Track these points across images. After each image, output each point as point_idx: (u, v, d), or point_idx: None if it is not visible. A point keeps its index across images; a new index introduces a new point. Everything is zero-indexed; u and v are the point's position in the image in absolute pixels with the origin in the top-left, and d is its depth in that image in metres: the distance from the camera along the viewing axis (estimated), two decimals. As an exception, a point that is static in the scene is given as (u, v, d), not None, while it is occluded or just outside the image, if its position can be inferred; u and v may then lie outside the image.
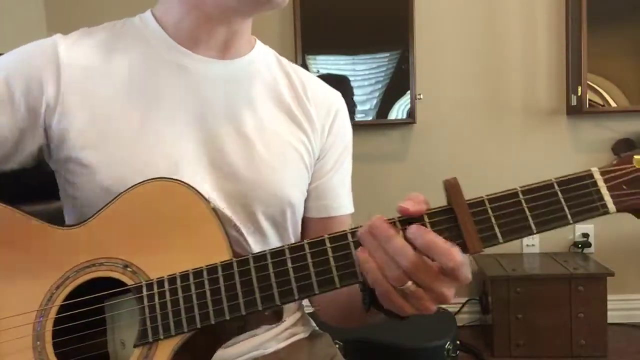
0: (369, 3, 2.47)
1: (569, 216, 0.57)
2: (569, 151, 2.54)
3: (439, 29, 2.53)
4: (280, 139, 0.81)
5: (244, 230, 0.76)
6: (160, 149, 0.72)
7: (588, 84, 2.38)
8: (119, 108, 0.73)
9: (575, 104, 2.44)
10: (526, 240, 2.55)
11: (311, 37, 2.48)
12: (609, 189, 0.58)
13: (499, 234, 0.57)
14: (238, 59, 0.81)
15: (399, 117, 2.50)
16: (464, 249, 0.56)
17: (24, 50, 0.74)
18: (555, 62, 2.51)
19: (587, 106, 2.39)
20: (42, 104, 0.72)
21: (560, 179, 0.58)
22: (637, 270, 2.49)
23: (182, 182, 0.65)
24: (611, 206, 0.58)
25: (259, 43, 0.85)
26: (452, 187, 0.59)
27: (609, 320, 2.21)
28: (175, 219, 0.64)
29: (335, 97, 0.88)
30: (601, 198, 0.58)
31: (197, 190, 0.65)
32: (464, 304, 2.55)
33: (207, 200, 0.65)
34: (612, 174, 0.59)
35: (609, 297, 2.19)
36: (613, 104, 2.43)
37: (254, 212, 0.77)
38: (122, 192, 0.66)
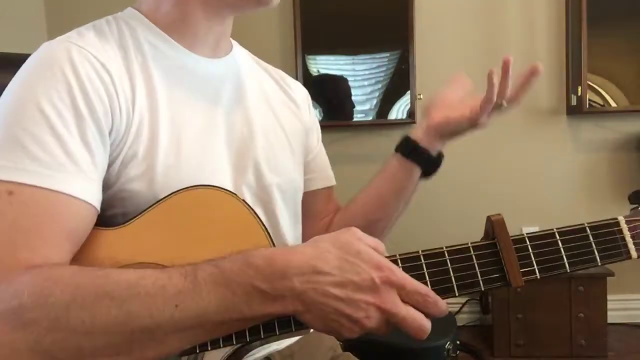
0: (369, 3, 2.47)
1: (597, 258, 0.64)
2: (569, 151, 2.54)
3: (439, 29, 2.53)
4: (282, 127, 0.86)
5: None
6: (197, 154, 0.73)
7: (588, 84, 2.38)
8: (150, 119, 0.71)
9: (575, 104, 2.44)
10: (526, 240, 2.55)
11: (311, 37, 2.48)
12: (633, 237, 0.65)
13: (537, 270, 0.62)
14: (227, 57, 0.83)
15: (399, 117, 2.49)
16: (506, 282, 0.61)
17: (79, 74, 0.65)
18: (555, 62, 2.51)
19: (587, 106, 2.39)
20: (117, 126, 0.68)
21: (592, 224, 0.65)
22: (637, 270, 2.49)
23: (226, 189, 0.66)
24: (633, 253, 0.65)
25: (232, 40, 0.88)
26: (497, 223, 0.62)
27: (609, 320, 2.21)
28: (220, 227, 0.64)
29: (299, 83, 0.98)
30: (625, 245, 0.65)
31: (245, 202, 0.66)
32: (464, 304, 2.55)
33: (254, 211, 0.66)
34: (635, 224, 0.66)
35: (609, 297, 2.19)
36: (613, 104, 2.43)
37: (277, 200, 0.80)
38: (166, 196, 0.65)
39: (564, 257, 0.63)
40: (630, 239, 0.65)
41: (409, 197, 0.92)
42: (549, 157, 2.54)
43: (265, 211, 0.79)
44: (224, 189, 0.66)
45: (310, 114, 0.95)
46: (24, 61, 0.68)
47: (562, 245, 0.63)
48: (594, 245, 0.64)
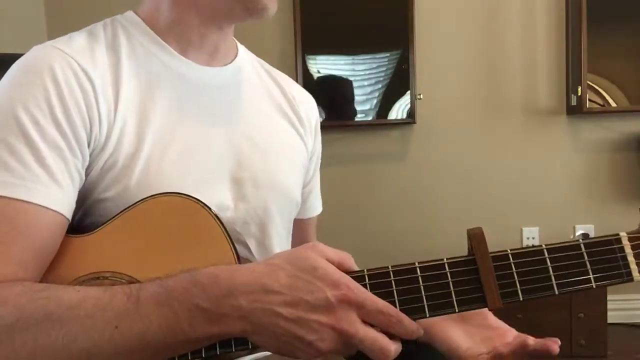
0: (369, 3, 2.47)
1: (592, 280, 0.56)
2: (568, 151, 2.54)
3: (439, 29, 2.53)
4: (283, 142, 0.83)
5: (252, 247, 0.76)
6: (182, 165, 0.70)
7: (588, 84, 2.38)
8: (138, 125, 0.69)
9: (575, 104, 2.44)
10: (526, 240, 2.55)
11: (311, 37, 2.47)
12: (636, 256, 0.57)
13: (519, 292, 0.56)
14: (228, 66, 0.80)
15: (399, 117, 2.49)
16: (483, 303, 0.56)
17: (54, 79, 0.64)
18: (555, 62, 2.51)
19: (587, 106, 2.39)
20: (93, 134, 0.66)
21: (588, 240, 0.57)
22: (637, 270, 2.49)
23: (194, 198, 0.63)
24: (636, 274, 0.57)
25: (240, 47, 0.85)
26: (476, 237, 0.56)
27: (609, 320, 2.21)
28: (185, 236, 0.63)
29: (312, 99, 0.92)
30: (627, 265, 0.57)
31: (208, 208, 0.64)
32: (464, 304, 2.55)
33: (218, 218, 0.64)
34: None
35: (609, 297, 2.19)
36: (613, 104, 2.43)
37: (273, 216, 0.78)
38: (133, 204, 0.64)
39: (552, 277, 0.56)
40: (633, 259, 0.56)
41: None
42: (549, 157, 2.53)
43: (259, 226, 0.77)
44: (193, 197, 0.63)
45: (315, 139, 0.90)
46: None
47: (551, 263, 0.56)
48: (588, 264, 0.56)
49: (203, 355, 0.57)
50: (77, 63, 0.66)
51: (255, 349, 0.57)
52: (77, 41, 0.69)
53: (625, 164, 2.51)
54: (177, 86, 0.73)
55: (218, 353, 0.56)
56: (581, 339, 2.19)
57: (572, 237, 2.55)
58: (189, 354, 0.57)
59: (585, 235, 2.53)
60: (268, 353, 0.79)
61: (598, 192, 2.53)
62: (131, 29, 0.74)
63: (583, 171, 2.53)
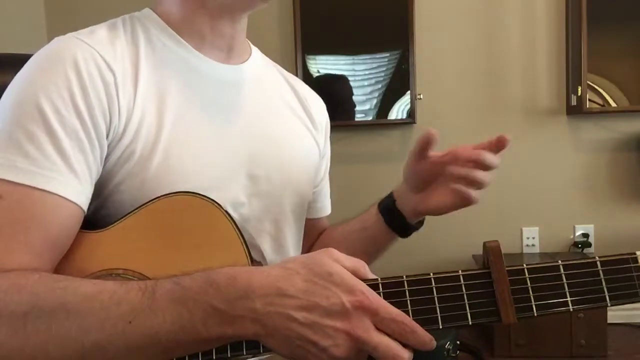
0: (369, 3, 2.47)
1: (607, 298, 0.57)
2: (568, 151, 2.54)
3: (439, 29, 2.53)
4: (296, 141, 0.84)
5: (265, 248, 0.76)
6: (200, 159, 0.71)
7: (588, 84, 2.38)
8: (157, 118, 0.69)
9: (575, 104, 2.44)
10: (526, 240, 2.55)
11: (311, 37, 2.48)
12: None
13: (534, 307, 0.56)
14: (243, 64, 0.80)
15: (399, 117, 2.50)
16: (497, 317, 0.55)
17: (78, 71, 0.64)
18: (555, 62, 2.51)
19: (587, 106, 2.39)
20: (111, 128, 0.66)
21: (604, 258, 0.57)
22: (637, 270, 2.49)
23: (207, 197, 0.63)
24: None
25: (254, 48, 0.85)
26: (493, 251, 0.56)
27: (609, 320, 2.21)
28: (197, 236, 0.63)
29: (322, 101, 0.93)
30: None
31: (222, 207, 0.64)
32: (464, 304, 2.55)
33: (231, 218, 0.64)
34: None
35: (609, 297, 2.19)
36: (613, 104, 2.44)
37: (286, 213, 0.78)
38: (146, 203, 0.64)
39: (567, 294, 0.56)
40: None
41: (381, 251, 0.89)
42: (549, 157, 2.54)
43: (273, 222, 0.77)
44: (206, 197, 0.63)
45: (326, 140, 0.92)
46: (24, 61, 0.67)
47: (567, 280, 0.56)
48: (603, 282, 0.56)
49: (214, 357, 0.57)
50: (99, 54, 0.66)
51: (261, 352, 0.57)
52: (98, 33, 0.69)
53: (625, 164, 2.52)
54: (193, 81, 0.73)
55: (229, 355, 0.56)
56: (581, 339, 2.19)
57: (572, 237, 2.56)
58: (200, 355, 0.57)
59: (585, 235, 2.53)
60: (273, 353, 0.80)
61: (598, 192, 2.53)
62: (148, 24, 0.74)
63: (583, 171, 2.54)
